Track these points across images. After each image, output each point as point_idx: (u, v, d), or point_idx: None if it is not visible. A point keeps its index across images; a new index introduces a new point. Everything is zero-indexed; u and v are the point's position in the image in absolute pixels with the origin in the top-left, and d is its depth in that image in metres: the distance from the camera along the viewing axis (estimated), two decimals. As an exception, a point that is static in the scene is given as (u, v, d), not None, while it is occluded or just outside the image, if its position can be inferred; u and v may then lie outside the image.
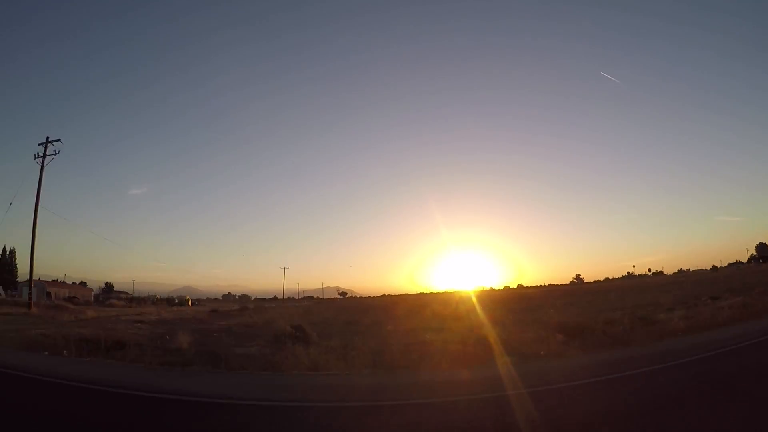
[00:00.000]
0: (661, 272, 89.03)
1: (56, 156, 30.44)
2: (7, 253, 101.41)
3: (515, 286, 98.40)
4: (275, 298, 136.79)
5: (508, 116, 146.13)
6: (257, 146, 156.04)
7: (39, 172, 30.12)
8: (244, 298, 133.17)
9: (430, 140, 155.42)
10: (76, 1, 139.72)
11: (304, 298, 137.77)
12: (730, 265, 72.65)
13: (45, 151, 30.58)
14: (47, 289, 67.30)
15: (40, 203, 30.43)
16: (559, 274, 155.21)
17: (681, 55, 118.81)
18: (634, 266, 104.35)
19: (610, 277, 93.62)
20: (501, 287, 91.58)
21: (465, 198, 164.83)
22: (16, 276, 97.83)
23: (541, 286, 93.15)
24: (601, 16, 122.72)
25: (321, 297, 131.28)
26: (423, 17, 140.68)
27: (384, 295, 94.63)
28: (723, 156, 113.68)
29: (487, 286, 79.78)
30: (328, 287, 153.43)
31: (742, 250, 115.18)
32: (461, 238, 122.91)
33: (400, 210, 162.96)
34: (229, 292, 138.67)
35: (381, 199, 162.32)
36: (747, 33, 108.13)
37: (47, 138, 30.69)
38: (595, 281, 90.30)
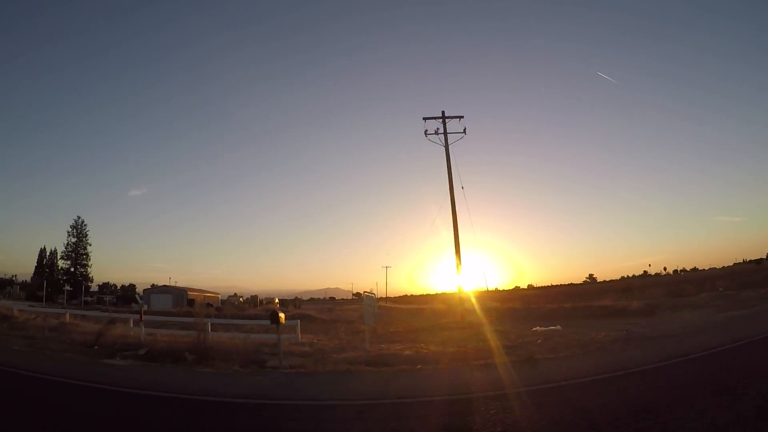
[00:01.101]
0: (686, 269, 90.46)
1: (462, 137, 25.17)
2: (47, 254, 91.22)
3: (525, 287, 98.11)
4: (296, 299, 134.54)
5: (510, 116, 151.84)
6: (256, 147, 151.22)
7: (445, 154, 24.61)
8: (253, 299, 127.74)
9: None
10: (76, 1, 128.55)
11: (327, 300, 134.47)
12: (750, 261, 71.91)
13: (445, 128, 25.30)
14: (189, 295, 62.87)
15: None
16: (571, 274, 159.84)
17: (680, 54, 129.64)
18: (650, 265, 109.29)
19: (627, 276, 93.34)
20: (511, 287, 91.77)
21: (470, 199, 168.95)
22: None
23: (559, 285, 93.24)
24: (599, 15, 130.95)
25: (333, 298, 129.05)
26: (420, 17, 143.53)
27: (406, 295, 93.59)
28: (723, 156, 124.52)
29: (493, 287, 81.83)
30: (329, 288, 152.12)
31: (744, 250, 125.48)
32: (465, 239, 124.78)
33: (399, 211, 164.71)
34: (235, 293, 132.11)
35: (380, 199, 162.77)
36: (748, 33, 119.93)
37: (443, 113, 25.59)
38: (609, 280, 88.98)
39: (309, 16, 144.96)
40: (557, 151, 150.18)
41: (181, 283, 75.61)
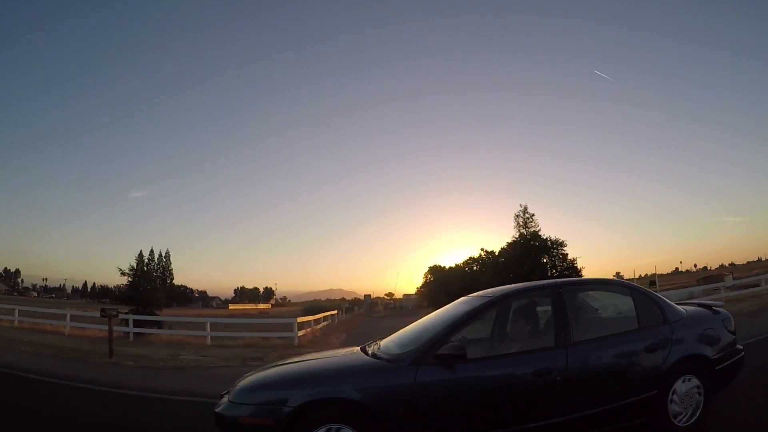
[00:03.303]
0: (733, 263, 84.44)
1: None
2: (156, 257, 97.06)
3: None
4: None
5: (510, 115, 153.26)
6: (257, 147, 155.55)
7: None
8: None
9: (429, 141, 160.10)
10: (78, 4, 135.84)
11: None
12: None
13: None
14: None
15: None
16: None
17: (682, 52, 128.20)
18: (681, 262, 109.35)
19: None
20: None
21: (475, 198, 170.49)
22: (171, 281, 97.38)
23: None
24: (598, 12, 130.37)
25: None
26: (420, 16, 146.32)
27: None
28: (725, 156, 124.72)
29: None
30: (331, 289, 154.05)
31: (748, 250, 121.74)
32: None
33: (397, 211, 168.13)
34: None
35: (377, 200, 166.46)
36: (750, 30, 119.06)
37: None
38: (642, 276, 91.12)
39: (314, 13, 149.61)
40: (557, 151, 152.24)
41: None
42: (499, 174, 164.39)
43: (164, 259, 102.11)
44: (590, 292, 4.38)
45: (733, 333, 4.13)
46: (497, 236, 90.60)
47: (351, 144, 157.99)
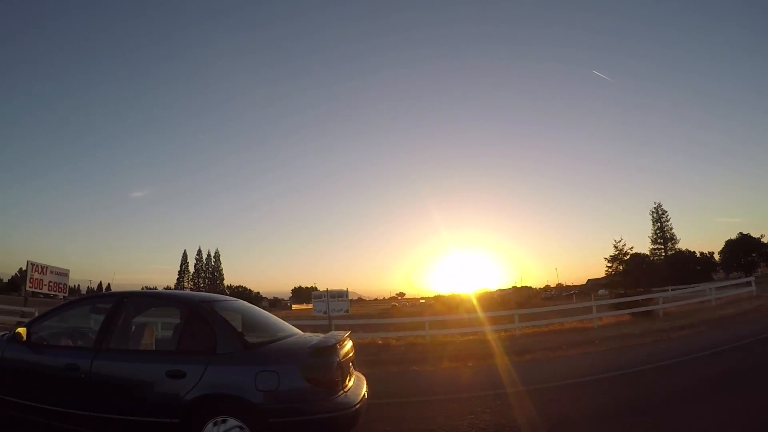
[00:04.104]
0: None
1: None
2: (207, 256, 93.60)
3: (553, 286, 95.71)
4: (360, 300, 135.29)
5: (510, 115, 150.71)
6: (257, 150, 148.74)
7: None
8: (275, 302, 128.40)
9: (428, 139, 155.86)
10: (81, 3, 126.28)
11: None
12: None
13: None
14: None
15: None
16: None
17: (678, 54, 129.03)
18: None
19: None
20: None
21: (476, 199, 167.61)
22: (220, 281, 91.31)
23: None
24: (597, 12, 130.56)
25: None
26: (418, 16, 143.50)
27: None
28: (722, 157, 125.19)
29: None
30: (332, 289, 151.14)
31: None
32: (478, 239, 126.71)
33: (397, 210, 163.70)
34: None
35: (376, 199, 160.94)
36: (746, 33, 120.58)
37: None
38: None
39: (314, 20, 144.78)
40: (556, 152, 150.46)
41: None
42: (498, 175, 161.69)
43: (214, 260, 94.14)
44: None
45: (324, 384, 3.46)
46: (498, 236, 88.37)
47: (347, 144, 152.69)
